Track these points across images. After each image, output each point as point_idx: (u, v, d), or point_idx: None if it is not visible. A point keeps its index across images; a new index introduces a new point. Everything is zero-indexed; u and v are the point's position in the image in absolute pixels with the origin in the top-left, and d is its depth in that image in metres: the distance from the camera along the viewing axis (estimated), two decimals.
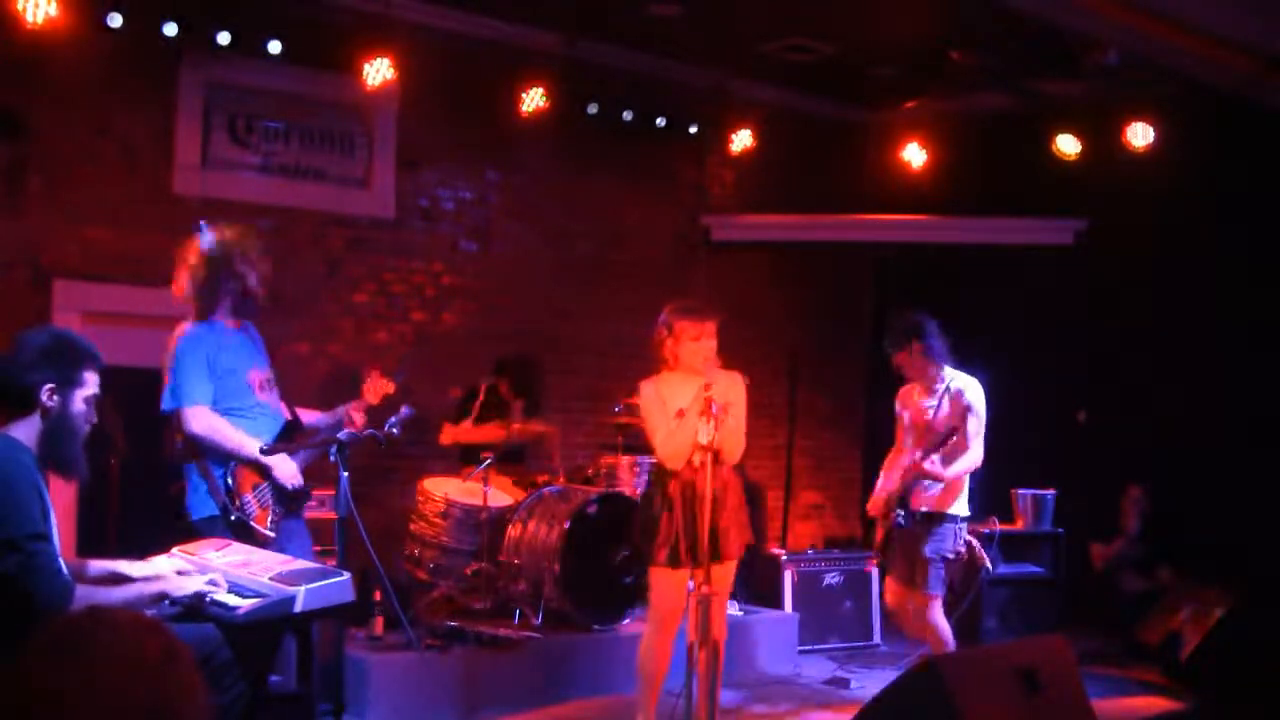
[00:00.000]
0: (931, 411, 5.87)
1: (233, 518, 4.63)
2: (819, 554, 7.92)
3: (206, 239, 4.81)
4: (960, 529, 5.85)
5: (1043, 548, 7.86)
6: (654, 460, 5.27)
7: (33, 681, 1.67)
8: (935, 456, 5.64)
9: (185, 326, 4.82)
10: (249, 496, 4.69)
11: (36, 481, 3.40)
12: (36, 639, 1.71)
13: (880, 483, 6.05)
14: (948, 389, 5.86)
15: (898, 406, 6.17)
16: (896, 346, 5.94)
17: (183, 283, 4.82)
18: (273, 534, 4.68)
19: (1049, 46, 7.41)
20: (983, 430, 5.83)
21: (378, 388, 5.10)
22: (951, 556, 5.80)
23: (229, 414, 4.71)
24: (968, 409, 5.77)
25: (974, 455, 5.78)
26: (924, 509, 5.80)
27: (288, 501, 4.80)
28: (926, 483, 5.77)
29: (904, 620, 6.07)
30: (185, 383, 4.68)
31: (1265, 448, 7.51)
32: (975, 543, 6.13)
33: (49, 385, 3.47)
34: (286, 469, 4.76)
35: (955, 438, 5.67)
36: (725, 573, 5.13)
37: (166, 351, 4.80)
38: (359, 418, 4.97)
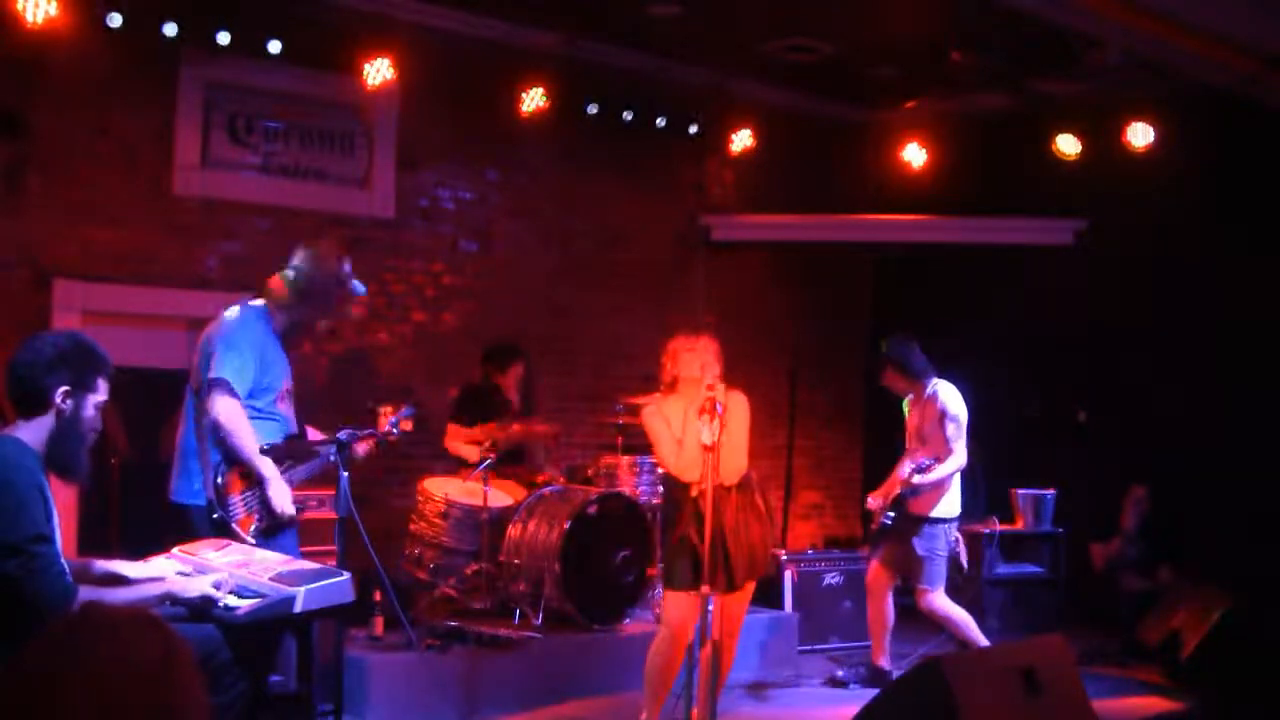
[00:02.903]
0: (916, 419, 6.46)
1: (215, 515, 4.60)
2: (819, 554, 7.91)
3: (354, 281, 5.03)
4: (949, 529, 6.37)
5: (1043, 548, 7.87)
6: (666, 477, 5.31)
7: (33, 682, 1.66)
8: (918, 477, 6.20)
9: (247, 303, 4.86)
10: (236, 499, 4.65)
11: (40, 483, 3.40)
12: (35, 639, 1.71)
13: (887, 481, 6.49)
14: (927, 397, 6.41)
15: (906, 412, 6.65)
16: (878, 371, 6.57)
17: (283, 278, 4.91)
18: (253, 542, 4.58)
19: (1049, 46, 7.40)
20: (962, 434, 6.30)
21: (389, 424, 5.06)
22: (943, 554, 6.33)
23: (250, 410, 4.70)
24: (943, 414, 6.30)
25: (957, 459, 6.28)
26: (915, 512, 6.30)
27: (274, 518, 4.70)
28: (917, 488, 6.28)
29: (872, 599, 6.61)
30: (230, 362, 4.66)
31: (1265, 448, 7.51)
32: (961, 540, 6.60)
33: (64, 388, 3.48)
34: (279, 492, 4.68)
35: (931, 461, 6.23)
36: (743, 597, 5.15)
37: (215, 322, 4.82)
38: (363, 449, 4.95)
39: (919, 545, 6.27)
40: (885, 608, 6.55)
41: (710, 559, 4.69)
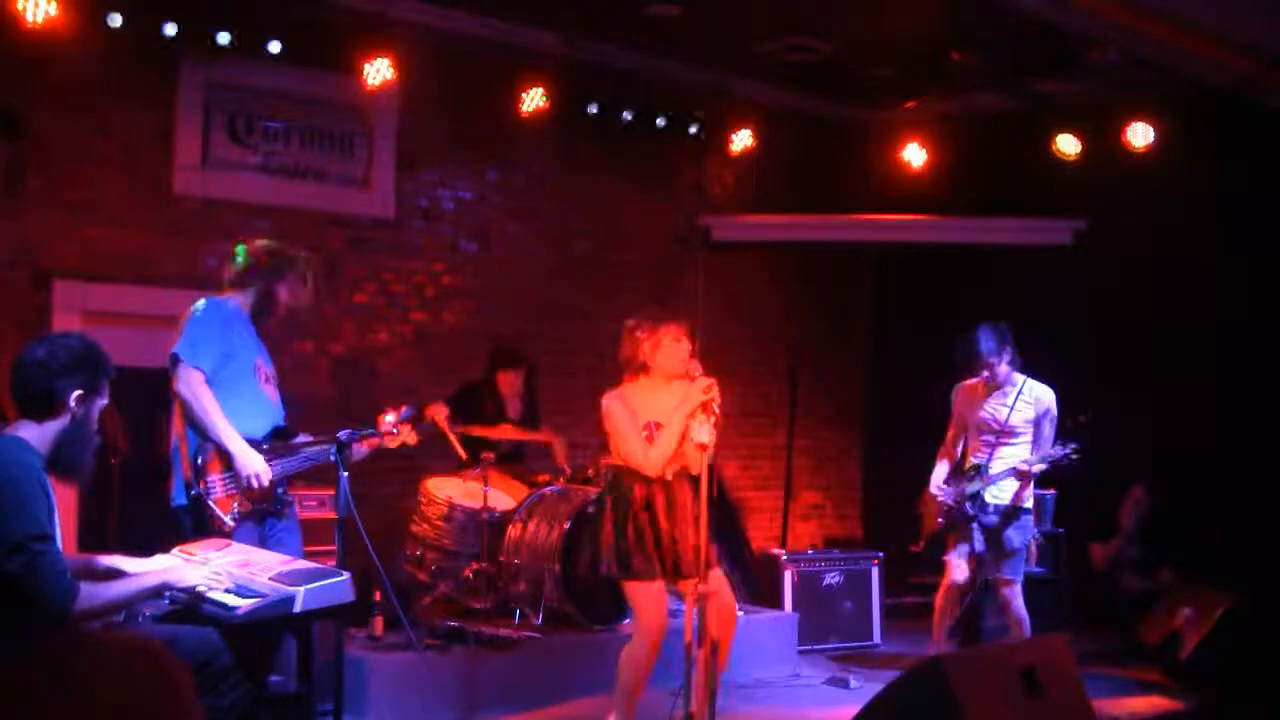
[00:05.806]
0: (1006, 412, 6.24)
1: (192, 492, 4.55)
2: (819, 554, 7.91)
3: (272, 244, 5.06)
4: (1031, 519, 6.31)
5: (1043, 548, 7.86)
6: (618, 466, 5.05)
7: (26, 711, 1.66)
8: (1036, 462, 6.09)
9: (209, 296, 4.90)
10: (215, 478, 4.58)
11: (43, 482, 3.41)
12: (27, 667, 1.70)
13: (937, 475, 6.40)
14: (1021, 393, 6.25)
15: (956, 405, 6.49)
16: (996, 355, 6.23)
17: (231, 263, 4.96)
18: (232, 524, 4.53)
19: (1049, 46, 7.41)
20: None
21: (402, 436, 4.99)
22: (1032, 544, 6.29)
23: (228, 393, 4.66)
24: (1047, 413, 6.21)
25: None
26: (1008, 504, 6.19)
27: (256, 500, 4.64)
28: (1012, 480, 6.17)
29: (950, 600, 6.35)
30: (192, 341, 4.67)
31: (1265, 448, 7.51)
32: (1037, 533, 6.60)
33: (78, 392, 3.49)
34: (249, 462, 4.58)
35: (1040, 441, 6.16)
36: (718, 579, 5.08)
37: (183, 313, 4.82)
38: (361, 450, 4.91)
39: (1015, 537, 6.13)
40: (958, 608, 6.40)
41: (671, 547, 4.83)
